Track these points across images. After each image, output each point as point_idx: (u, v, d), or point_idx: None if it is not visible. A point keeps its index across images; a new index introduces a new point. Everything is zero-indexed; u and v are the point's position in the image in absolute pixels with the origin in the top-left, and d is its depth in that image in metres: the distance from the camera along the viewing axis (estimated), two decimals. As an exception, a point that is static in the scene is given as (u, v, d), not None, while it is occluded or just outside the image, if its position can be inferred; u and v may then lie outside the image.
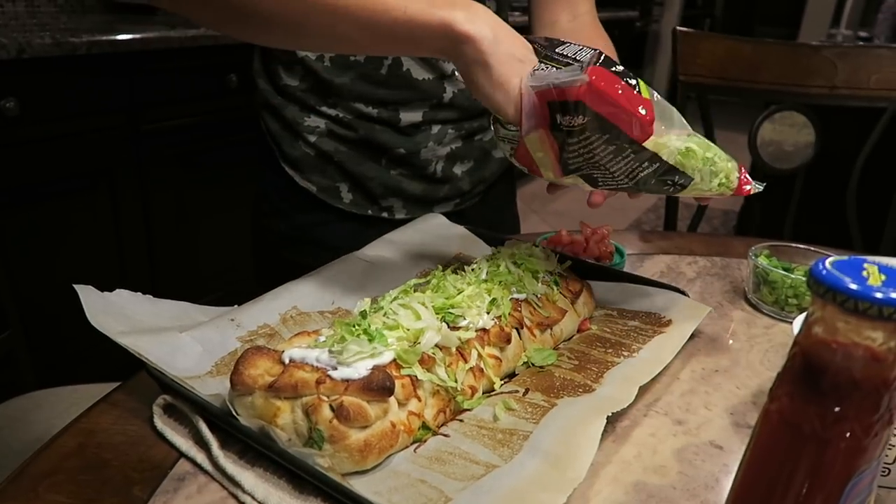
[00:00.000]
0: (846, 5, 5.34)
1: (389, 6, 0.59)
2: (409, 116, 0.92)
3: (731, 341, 0.75)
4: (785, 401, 0.33)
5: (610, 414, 0.53)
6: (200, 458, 0.51)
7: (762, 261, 0.82)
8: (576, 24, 0.94)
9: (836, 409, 0.31)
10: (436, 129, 0.94)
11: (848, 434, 0.31)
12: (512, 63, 0.58)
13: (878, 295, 0.30)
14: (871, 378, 0.31)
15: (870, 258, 0.33)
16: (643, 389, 0.60)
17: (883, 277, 0.31)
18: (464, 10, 0.58)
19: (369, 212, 0.96)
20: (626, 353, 0.65)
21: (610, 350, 0.66)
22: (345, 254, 0.79)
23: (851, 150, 1.43)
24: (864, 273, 0.31)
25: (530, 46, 0.62)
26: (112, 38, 1.69)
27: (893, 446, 0.48)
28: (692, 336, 0.71)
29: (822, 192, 1.86)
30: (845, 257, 0.32)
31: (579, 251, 0.86)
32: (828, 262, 0.32)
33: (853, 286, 0.30)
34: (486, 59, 0.58)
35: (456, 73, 0.89)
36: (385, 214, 0.97)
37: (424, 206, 0.98)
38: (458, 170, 0.98)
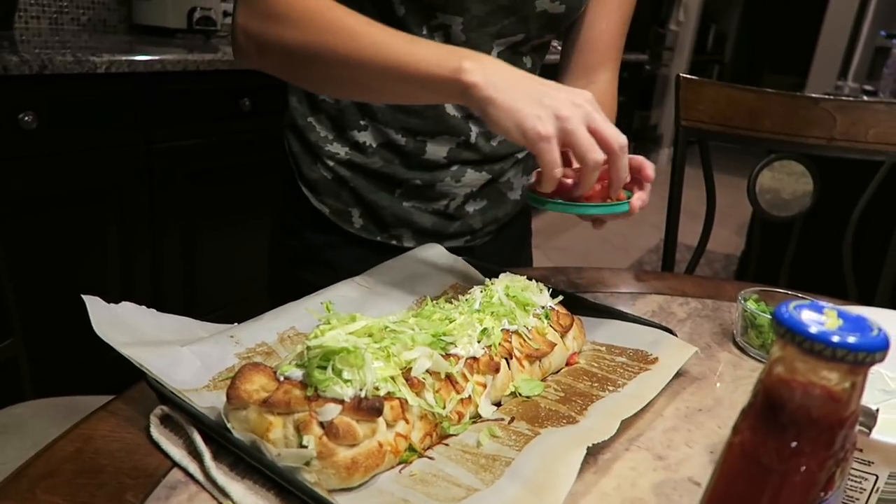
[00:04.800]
0: (854, 59, 5.43)
1: (407, 61, 0.68)
2: (436, 150, 0.95)
3: (717, 383, 0.76)
4: (747, 434, 0.35)
5: (591, 445, 0.55)
6: (193, 468, 0.52)
7: (750, 305, 0.84)
8: (587, 89, 0.98)
9: (794, 443, 0.33)
10: (455, 167, 0.97)
11: (803, 468, 0.33)
12: (511, 92, 0.64)
13: (834, 338, 0.32)
14: (827, 416, 0.33)
15: (829, 304, 0.35)
16: (626, 424, 0.62)
17: (840, 322, 0.33)
18: (470, 60, 0.66)
19: (378, 238, 0.99)
20: (611, 388, 0.67)
21: (596, 384, 0.68)
22: (349, 275, 0.82)
23: (848, 201, 1.46)
24: (823, 317, 0.34)
25: (530, 76, 0.67)
26: (131, 58, 1.74)
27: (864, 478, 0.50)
28: (679, 375, 0.73)
29: (819, 241, 1.89)
30: (807, 301, 0.35)
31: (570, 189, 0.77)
32: (790, 305, 0.35)
33: (811, 329, 0.32)
34: (490, 95, 0.64)
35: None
36: (394, 242, 1.00)
37: (434, 239, 1.00)
38: (470, 208, 1.01)
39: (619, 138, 0.66)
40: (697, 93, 1.46)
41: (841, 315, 0.34)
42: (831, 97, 1.46)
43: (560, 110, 0.63)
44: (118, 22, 2.41)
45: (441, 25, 0.88)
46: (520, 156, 1.04)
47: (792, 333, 0.33)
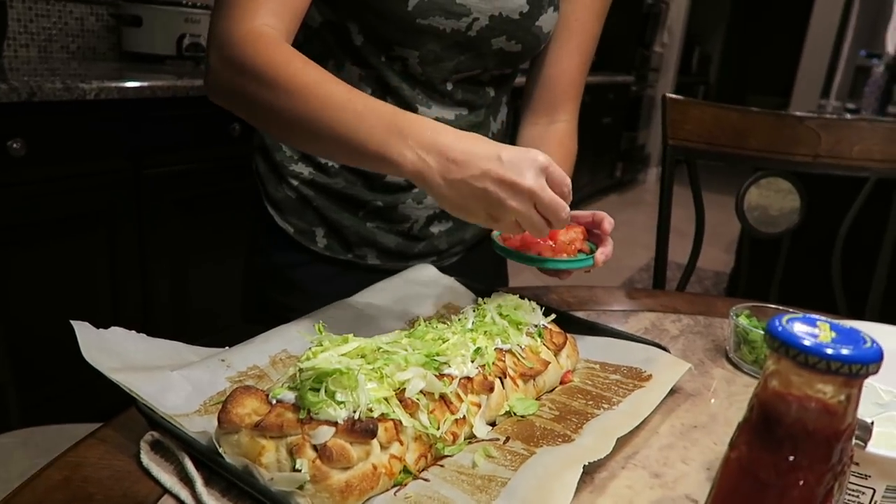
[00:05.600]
0: (835, 78, 5.52)
1: (353, 136, 0.67)
2: (394, 179, 0.95)
3: (712, 399, 0.76)
4: (744, 449, 0.34)
5: (587, 463, 0.54)
6: (184, 494, 0.51)
7: (742, 320, 0.84)
8: (548, 130, 1.00)
9: (791, 458, 0.33)
10: (416, 189, 0.97)
11: (801, 482, 0.33)
12: (456, 189, 0.64)
13: (829, 351, 0.32)
14: (823, 429, 0.33)
15: (822, 317, 0.35)
16: (622, 442, 0.61)
17: (833, 334, 0.33)
18: (408, 149, 0.64)
19: (342, 257, 0.99)
20: (605, 406, 0.67)
21: (590, 402, 0.68)
22: (317, 295, 0.82)
23: (836, 217, 1.47)
24: (817, 330, 0.34)
25: (481, 138, 0.66)
26: (120, 84, 1.74)
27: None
28: (673, 392, 0.73)
29: (808, 257, 1.90)
30: (799, 315, 0.35)
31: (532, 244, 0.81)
32: (783, 319, 0.35)
33: (805, 342, 0.33)
34: (436, 192, 0.65)
35: None
36: (359, 261, 1.00)
37: (399, 259, 1.00)
38: (434, 229, 1.01)
39: (559, 214, 0.65)
40: (684, 112, 1.48)
41: (834, 328, 0.34)
42: (815, 115, 1.48)
43: (505, 203, 0.63)
44: (107, 49, 2.42)
45: (398, 57, 0.89)
46: None
47: (786, 347, 0.33)
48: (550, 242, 0.78)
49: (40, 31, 2.22)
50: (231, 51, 0.74)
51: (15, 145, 1.57)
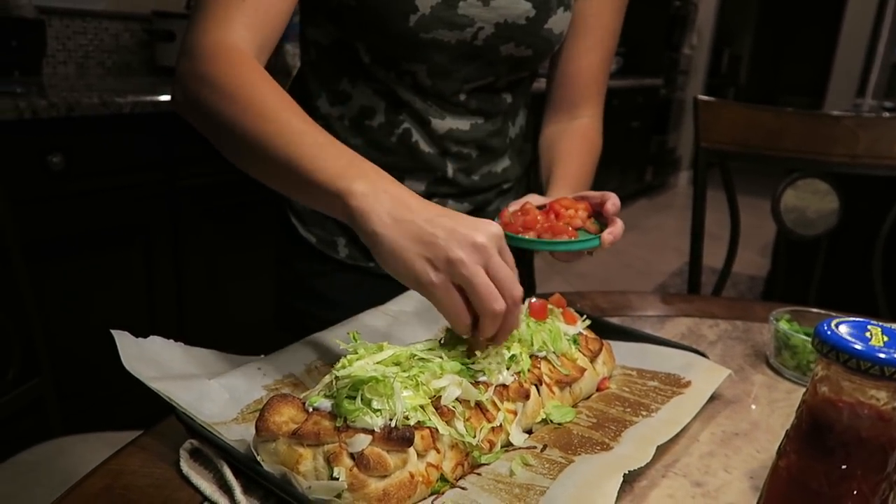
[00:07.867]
0: (871, 76, 5.39)
1: (304, 163, 0.63)
2: (413, 185, 0.94)
3: (752, 406, 0.74)
4: (793, 458, 0.33)
5: (627, 472, 0.53)
6: (223, 502, 0.52)
7: (783, 325, 0.82)
8: (569, 126, 0.98)
9: (843, 466, 0.32)
10: (434, 199, 0.96)
11: (855, 492, 0.31)
12: (399, 228, 0.58)
13: (882, 355, 0.31)
14: (876, 437, 0.32)
15: (875, 321, 0.34)
16: (662, 450, 0.60)
17: (886, 339, 0.32)
18: (365, 182, 0.60)
19: (363, 265, 0.99)
20: (644, 413, 0.66)
21: (628, 409, 0.67)
22: (340, 304, 0.81)
23: (876, 218, 1.43)
24: (868, 334, 0.33)
25: (430, 206, 0.60)
26: (155, 98, 1.78)
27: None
28: (713, 398, 0.72)
29: (848, 259, 1.85)
30: (848, 318, 0.34)
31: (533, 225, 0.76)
32: (833, 323, 0.34)
33: (857, 346, 0.32)
34: (374, 230, 0.58)
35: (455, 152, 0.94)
36: (381, 269, 0.99)
37: None
38: None
39: (513, 290, 0.58)
40: (716, 114, 1.45)
41: (886, 332, 0.33)
42: (853, 114, 1.45)
43: (452, 252, 0.56)
44: (142, 64, 2.47)
45: (407, 72, 0.88)
46: (505, 186, 1.03)
47: (836, 352, 0.32)
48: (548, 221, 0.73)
49: (77, 48, 2.27)
50: (198, 61, 0.71)
51: (55, 160, 1.61)
